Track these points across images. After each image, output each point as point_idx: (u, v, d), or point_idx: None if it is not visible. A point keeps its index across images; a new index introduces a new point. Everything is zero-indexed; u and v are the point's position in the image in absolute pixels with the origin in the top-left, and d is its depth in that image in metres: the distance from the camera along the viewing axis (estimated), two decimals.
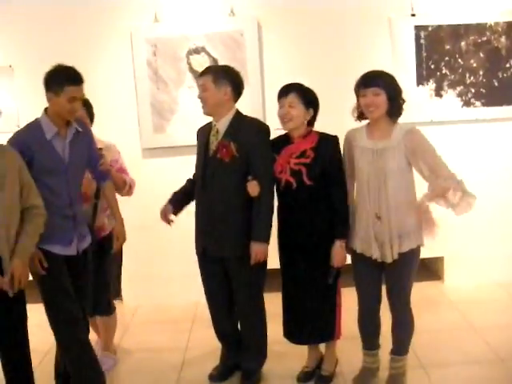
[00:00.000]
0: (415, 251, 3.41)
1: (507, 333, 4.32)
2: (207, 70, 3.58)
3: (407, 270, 3.44)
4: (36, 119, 3.38)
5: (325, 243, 3.50)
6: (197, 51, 4.92)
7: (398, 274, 3.44)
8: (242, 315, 3.77)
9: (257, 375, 3.83)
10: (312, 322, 3.62)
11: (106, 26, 4.96)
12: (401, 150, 3.31)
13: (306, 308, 3.59)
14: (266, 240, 3.51)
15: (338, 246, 3.47)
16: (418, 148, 3.32)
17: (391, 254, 3.35)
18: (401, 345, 3.59)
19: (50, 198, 3.26)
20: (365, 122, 3.49)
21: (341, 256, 3.48)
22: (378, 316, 3.63)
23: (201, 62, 4.92)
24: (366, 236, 3.41)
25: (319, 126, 3.58)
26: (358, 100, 3.42)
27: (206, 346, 4.23)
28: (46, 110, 3.36)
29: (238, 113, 3.58)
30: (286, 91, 3.50)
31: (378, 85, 3.31)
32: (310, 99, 3.50)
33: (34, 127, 3.36)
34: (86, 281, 3.62)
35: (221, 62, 4.85)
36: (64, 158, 3.35)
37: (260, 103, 4.96)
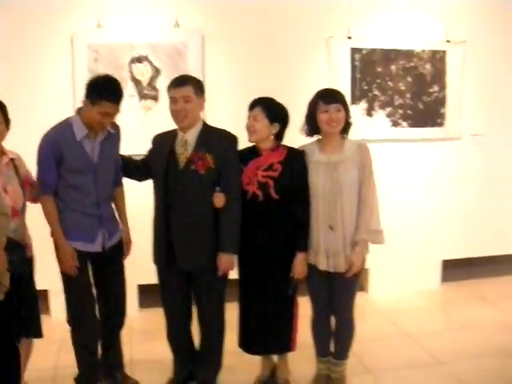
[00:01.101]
0: (364, 259, 3.60)
1: (438, 337, 4.65)
2: (187, 81, 3.52)
3: (356, 277, 3.63)
4: (67, 118, 3.41)
5: (285, 255, 3.58)
6: (139, 60, 4.89)
7: (349, 282, 3.60)
8: (205, 325, 3.75)
9: None
10: (270, 333, 3.69)
11: (47, 28, 4.78)
12: (354, 163, 3.52)
13: (265, 319, 3.65)
14: (235, 251, 3.57)
15: (301, 258, 3.56)
16: (366, 163, 3.55)
17: (344, 263, 3.51)
18: (344, 350, 3.77)
19: (75, 195, 3.33)
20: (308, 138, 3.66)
21: (302, 268, 3.58)
22: (330, 324, 3.78)
23: (143, 71, 4.91)
24: (317, 247, 3.55)
25: None
26: (310, 116, 3.56)
27: (151, 359, 4.22)
28: (79, 110, 3.39)
29: (204, 123, 3.59)
30: (253, 104, 3.59)
31: (339, 101, 3.50)
32: (275, 114, 3.57)
33: (64, 127, 3.40)
34: (114, 277, 3.65)
35: (163, 73, 4.88)
36: (93, 158, 3.39)
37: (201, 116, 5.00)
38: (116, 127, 3.57)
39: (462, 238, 5.80)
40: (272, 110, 3.57)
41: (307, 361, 3.93)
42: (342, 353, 3.78)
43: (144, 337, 4.67)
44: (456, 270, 5.95)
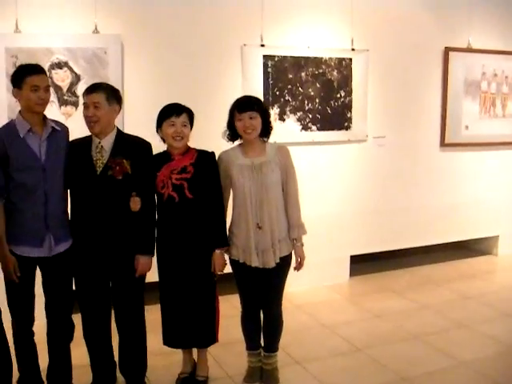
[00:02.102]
0: (290, 255, 3.85)
1: (353, 326, 4.99)
2: (99, 88, 3.58)
3: (285, 273, 3.87)
4: (10, 120, 3.45)
5: (204, 253, 3.75)
6: (59, 66, 4.89)
7: (277, 278, 3.84)
8: (125, 329, 3.77)
9: None
10: (194, 328, 3.82)
11: None
12: (276, 164, 3.75)
13: (188, 315, 3.79)
14: (152, 253, 3.70)
15: (219, 254, 3.75)
16: (288, 163, 3.82)
17: (274, 259, 3.73)
18: (274, 342, 3.98)
19: (24, 195, 3.31)
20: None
21: (221, 263, 3.77)
22: (259, 318, 3.98)
23: (63, 77, 4.93)
24: (247, 246, 3.74)
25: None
26: (230, 122, 3.76)
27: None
28: (20, 111, 3.42)
29: (119, 130, 3.68)
30: (179, 111, 3.69)
31: (253, 109, 3.70)
32: (192, 120, 3.76)
33: (8, 125, 3.46)
34: (60, 285, 3.59)
35: (83, 79, 4.90)
36: (40, 155, 3.37)
37: (120, 121, 5.06)
38: (63, 126, 3.61)
39: (368, 234, 6.19)
40: (193, 118, 3.76)
41: (238, 356, 4.14)
42: (273, 345, 3.99)
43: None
44: (363, 264, 6.34)
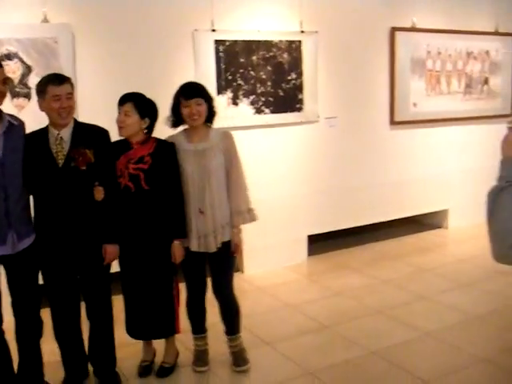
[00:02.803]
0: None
1: (317, 304, 5.09)
2: (66, 78, 3.54)
3: (228, 258, 3.91)
4: None
5: (162, 243, 3.75)
6: (9, 57, 4.76)
7: (223, 263, 3.90)
8: (96, 320, 3.77)
9: (116, 378, 3.89)
10: (154, 319, 3.84)
11: None
12: (220, 150, 3.77)
13: (148, 306, 3.80)
14: (117, 241, 3.68)
15: (178, 245, 3.76)
16: (232, 149, 3.82)
17: (215, 244, 3.78)
18: (234, 325, 4.02)
19: None
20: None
21: (180, 253, 3.78)
22: (204, 303, 4.01)
23: (13, 69, 4.81)
24: (189, 230, 3.77)
25: None
26: (175, 109, 3.76)
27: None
28: None
29: (75, 120, 3.62)
30: (123, 100, 3.69)
31: (200, 95, 3.73)
32: (146, 109, 3.71)
33: None
34: (25, 282, 3.52)
35: (35, 70, 4.80)
36: None
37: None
38: (19, 121, 3.52)
39: (324, 214, 6.29)
40: (142, 106, 3.71)
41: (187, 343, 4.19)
42: (233, 328, 4.03)
43: None
44: (320, 243, 6.44)
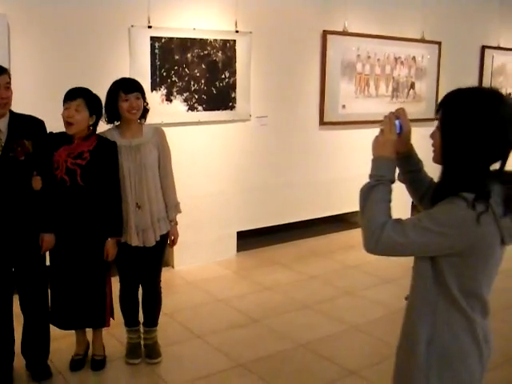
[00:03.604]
0: (168, 234, 3.99)
1: (246, 299, 5.20)
2: (3, 69, 3.50)
3: (163, 251, 4.05)
4: None
5: (95, 239, 3.75)
6: None
7: (156, 256, 3.99)
8: (31, 313, 3.76)
9: (47, 370, 3.88)
10: (85, 310, 3.83)
11: None
12: (154, 145, 3.86)
13: (79, 297, 3.79)
14: (53, 230, 3.69)
15: (112, 243, 3.78)
16: (164, 144, 3.92)
17: (154, 238, 3.87)
18: (154, 318, 4.11)
19: None
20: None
21: (113, 251, 3.80)
22: (137, 296, 4.08)
23: None
24: (127, 226, 3.82)
25: None
26: (110, 104, 3.77)
27: None
28: None
29: (11, 110, 3.60)
30: (73, 95, 3.66)
31: (138, 90, 3.81)
32: (95, 106, 3.73)
33: None
34: None
35: None
36: None
37: None
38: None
39: (253, 210, 6.41)
40: (92, 102, 3.72)
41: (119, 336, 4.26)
42: (153, 320, 4.12)
43: None
44: (249, 239, 6.54)
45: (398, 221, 1.93)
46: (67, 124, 3.63)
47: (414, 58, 7.49)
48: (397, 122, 2.09)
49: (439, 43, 7.70)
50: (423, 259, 1.99)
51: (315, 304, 5.04)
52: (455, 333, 1.97)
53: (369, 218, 1.95)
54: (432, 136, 2.01)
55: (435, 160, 2.02)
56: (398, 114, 2.13)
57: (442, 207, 1.90)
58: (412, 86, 7.53)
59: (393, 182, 2.02)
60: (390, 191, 2.00)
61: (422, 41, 7.51)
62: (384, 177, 1.99)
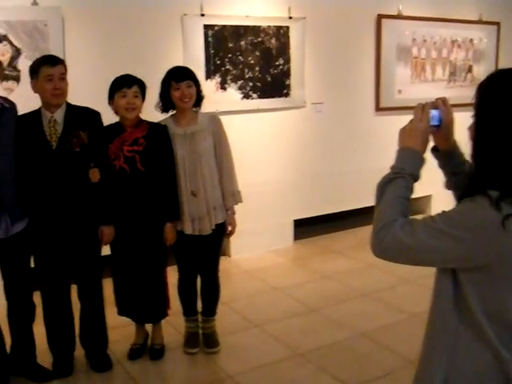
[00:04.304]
0: (225, 223, 3.96)
1: (304, 288, 5.16)
2: (59, 60, 3.57)
3: (220, 240, 4.00)
4: None
5: (156, 225, 3.77)
6: None
7: (213, 245, 3.95)
8: (88, 303, 3.79)
9: (108, 360, 3.90)
10: (145, 304, 3.87)
11: None
12: (209, 133, 3.82)
13: (138, 289, 3.82)
14: (113, 222, 3.71)
15: (170, 227, 3.79)
16: (220, 132, 3.88)
17: (210, 226, 3.83)
18: (213, 307, 4.09)
19: None
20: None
21: (172, 236, 3.81)
22: (195, 285, 4.07)
23: (2, 51, 4.79)
24: (182, 213, 3.81)
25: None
26: (164, 93, 3.79)
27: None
28: None
29: (67, 102, 3.62)
30: (130, 82, 3.69)
31: (190, 78, 3.78)
32: (144, 91, 3.78)
33: None
34: (18, 266, 3.53)
35: (24, 53, 4.79)
36: None
37: None
38: (11, 103, 3.51)
39: (310, 198, 6.35)
40: (144, 88, 3.77)
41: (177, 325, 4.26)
42: (211, 310, 4.10)
43: None
44: (305, 227, 6.47)
45: (411, 220, 1.65)
46: (129, 110, 3.66)
47: (471, 40, 7.28)
48: (434, 111, 1.83)
49: (498, 24, 7.45)
50: (444, 274, 1.66)
51: (374, 292, 4.97)
52: (479, 373, 1.60)
53: (379, 216, 1.68)
54: (470, 129, 1.68)
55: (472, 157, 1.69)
56: (437, 103, 1.86)
57: (461, 206, 1.60)
58: (470, 69, 7.33)
59: (416, 178, 1.74)
60: (409, 187, 1.72)
61: (480, 22, 7.29)
62: (404, 170, 1.73)
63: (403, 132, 1.84)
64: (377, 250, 1.67)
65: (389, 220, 1.64)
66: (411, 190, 1.73)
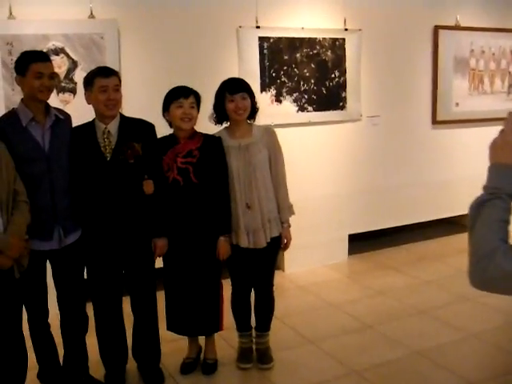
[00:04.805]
0: (280, 236, 3.88)
1: (359, 304, 5.06)
2: (113, 71, 3.56)
3: (275, 254, 3.94)
4: (13, 108, 3.35)
5: (209, 238, 3.72)
6: (56, 52, 4.80)
7: (268, 258, 3.89)
8: (141, 315, 3.78)
9: (160, 374, 3.87)
10: (199, 316, 3.82)
11: None
12: (264, 145, 3.77)
13: (193, 302, 3.78)
14: (166, 234, 3.69)
15: (224, 241, 3.74)
16: (275, 144, 3.83)
17: (265, 239, 3.77)
18: (266, 323, 4.03)
19: (29, 187, 3.20)
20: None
21: (226, 249, 3.76)
22: (249, 299, 4.02)
23: (59, 64, 4.85)
24: (236, 226, 3.76)
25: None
26: (218, 105, 3.77)
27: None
28: (21, 100, 3.32)
29: (121, 114, 3.63)
30: (187, 92, 3.67)
31: (244, 90, 3.74)
32: (200, 103, 3.76)
33: (9, 114, 3.35)
34: (71, 277, 3.54)
35: (80, 65, 4.84)
36: (44, 145, 3.29)
37: None
38: (66, 115, 3.54)
39: (365, 213, 6.26)
40: (200, 100, 3.75)
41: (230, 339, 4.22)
42: (265, 325, 4.05)
43: None
44: (359, 242, 6.39)
45: None
46: (185, 120, 3.64)
47: None
48: None
49: None
50: None
51: (430, 310, 4.83)
52: None
53: (476, 243, 1.53)
54: None
55: None
56: None
57: None
58: None
59: None
60: (507, 208, 1.55)
61: None
62: (500, 189, 1.56)
63: (494, 146, 1.64)
64: (477, 282, 1.54)
65: (489, 248, 1.49)
66: (510, 212, 1.56)
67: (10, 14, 4.68)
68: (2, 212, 3.00)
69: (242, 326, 4.06)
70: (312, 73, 5.74)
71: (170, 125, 3.75)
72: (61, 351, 3.71)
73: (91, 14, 4.88)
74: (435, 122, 6.53)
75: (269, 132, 3.85)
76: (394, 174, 6.39)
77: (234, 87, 3.73)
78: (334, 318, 4.77)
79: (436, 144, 6.58)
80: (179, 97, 3.66)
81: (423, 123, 6.51)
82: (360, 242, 6.40)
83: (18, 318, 3.27)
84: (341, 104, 5.92)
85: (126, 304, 3.78)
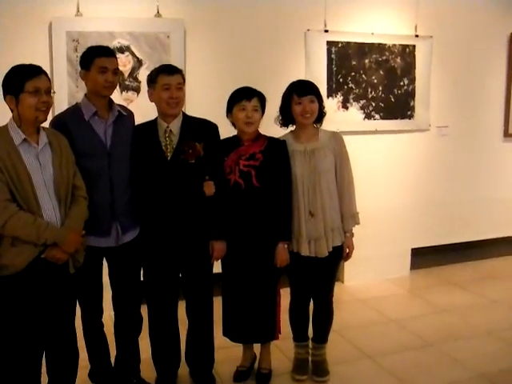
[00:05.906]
0: (342, 247, 3.73)
1: (420, 321, 4.85)
2: (177, 69, 3.47)
3: (336, 264, 3.79)
4: (76, 102, 3.33)
5: (268, 244, 3.61)
6: (121, 50, 4.77)
7: (329, 268, 3.74)
8: (196, 320, 3.69)
9: (212, 381, 3.79)
10: (255, 323, 3.71)
11: (23, 16, 4.54)
12: (330, 151, 3.62)
13: (249, 308, 3.67)
14: (225, 238, 3.59)
15: (282, 248, 3.61)
16: (342, 150, 3.67)
17: (327, 248, 3.62)
18: (324, 334, 3.89)
19: (88, 182, 3.15)
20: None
21: (284, 257, 3.63)
22: (308, 310, 3.88)
23: (124, 62, 4.82)
24: (298, 235, 3.62)
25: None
26: (285, 107, 3.65)
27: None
28: (85, 94, 3.31)
29: (184, 113, 3.55)
30: (250, 94, 3.57)
31: (313, 92, 3.61)
32: (264, 105, 3.64)
33: (72, 109, 3.33)
34: (127, 276, 3.50)
35: (145, 64, 4.81)
36: (106, 140, 3.26)
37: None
38: (129, 112, 3.50)
39: (430, 227, 6.05)
40: (264, 102, 3.64)
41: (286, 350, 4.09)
42: (323, 336, 3.90)
43: None
44: (422, 257, 6.15)
45: None
46: (248, 124, 3.54)
47: None
48: None
49: None
50: None
51: (496, 331, 4.58)
52: None
53: None
54: None
55: None
56: None
57: None
58: None
59: None
60: None
61: None
62: None
63: None
64: None
65: None
66: None
67: (78, 11, 4.68)
68: (60, 206, 2.94)
69: (299, 336, 3.92)
70: (380, 80, 5.57)
71: (234, 126, 3.65)
72: (113, 352, 3.64)
73: (158, 12, 4.84)
74: (507, 134, 6.26)
75: (336, 137, 3.70)
76: (462, 187, 6.16)
77: (302, 89, 3.60)
78: (393, 334, 4.59)
79: (507, 157, 6.33)
80: (242, 99, 3.56)
81: (494, 135, 6.25)
82: (424, 257, 6.15)
83: (71, 315, 3.21)
84: (409, 113, 5.73)
85: (182, 308, 3.68)
